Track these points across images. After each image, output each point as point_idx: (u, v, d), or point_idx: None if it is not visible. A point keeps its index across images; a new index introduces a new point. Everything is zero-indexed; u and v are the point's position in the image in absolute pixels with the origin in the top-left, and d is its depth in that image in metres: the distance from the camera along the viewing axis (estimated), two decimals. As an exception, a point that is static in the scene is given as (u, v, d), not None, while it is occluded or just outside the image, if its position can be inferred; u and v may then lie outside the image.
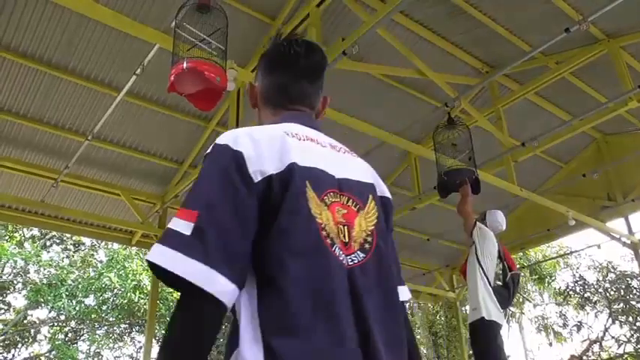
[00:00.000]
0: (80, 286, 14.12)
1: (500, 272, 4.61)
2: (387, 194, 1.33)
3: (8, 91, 5.13)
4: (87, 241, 15.47)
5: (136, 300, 13.87)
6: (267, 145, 1.07)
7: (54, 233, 14.81)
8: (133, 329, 15.76)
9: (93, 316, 14.59)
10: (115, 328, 15.64)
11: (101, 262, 15.29)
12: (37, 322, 15.12)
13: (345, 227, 1.09)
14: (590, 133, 7.38)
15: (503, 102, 6.08)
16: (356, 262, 1.07)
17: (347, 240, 1.08)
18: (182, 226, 0.96)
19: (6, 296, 14.71)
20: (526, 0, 4.95)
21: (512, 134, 6.01)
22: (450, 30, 5.46)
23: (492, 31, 5.31)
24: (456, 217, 8.04)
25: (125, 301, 14.05)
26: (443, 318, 14.51)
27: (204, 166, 1.07)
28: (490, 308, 4.17)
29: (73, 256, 15.66)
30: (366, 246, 1.11)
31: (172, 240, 0.95)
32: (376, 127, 4.94)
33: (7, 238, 14.35)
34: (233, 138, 1.08)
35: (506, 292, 4.51)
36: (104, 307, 14.67)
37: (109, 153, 6.05)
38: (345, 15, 4.98)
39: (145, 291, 13.57)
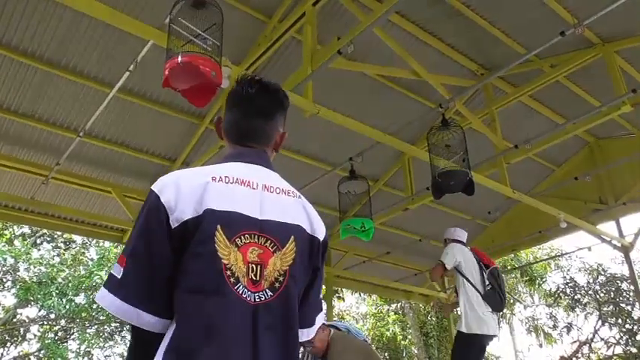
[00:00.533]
0: (70, 284, 14.00)
1: (482, 275, 4.74)
2: (319, 235, 1.39)
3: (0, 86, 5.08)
4: (78, 239, 15.35)
5: (126, 299, 13.78)
6: (189, 194, 1.21)
7: (44, 231, 14.69)
8: (124, 328, 15.66)
9: (83, 314, 14.48)
10: (105, 327, 15.53)
11: (92, 260, 15.17)
12: (27, 320, 14.98)
13: (258, 266, 1.20)
14: (583, 136, 7.41)
15: (497, 104, 6.09)
16: (263, 299, 1.19)
17: (257, 278, 1.19)
18: (116, 270, 1.17)
19: (-5, 294, 14.58)
20: (522, 3, 4.96)
21: (505, 136, 6.02)
22: (446, 31, 5.46)
23: (488, 34, 5.31)
24: (449, 218, 8.08)
25: (116, 299, 13.96)
26: (434, 319, 14.53)
27: (139, 212, 1.24)
28: (471, 322, 4.43)
29: (63, 254, 15.53)
30: (276, 285, 1.22)
31: (109, 283, 1.18)
32: (370, 127, 4.92)
33: (-4, 235, 14.21)
34: (161, 187, 1.23)
35: (494, 292, 4.61)
36: (94, 306, 14.56)
37: (101, 150, 6.00)
38: (341, 14, 4.97)
39: (136, 290, 13.49)
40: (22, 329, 14.90)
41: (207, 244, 1.16)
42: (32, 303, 14.22)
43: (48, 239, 15.52)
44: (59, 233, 14.70)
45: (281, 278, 1.22)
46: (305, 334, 1.37)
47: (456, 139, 4.72)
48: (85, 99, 5.34)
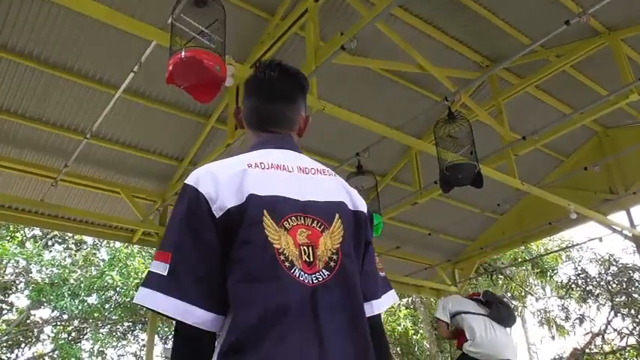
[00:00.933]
0: (82, 285, 14.11)
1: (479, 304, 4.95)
2: (362, 208, 1.39)
3: (6, 90, 5.11)
4: (89, 239, 15.48)
5: (138, 298, 13.87)
6: (228, 183, 1.19)
7: (55, 232, 14.81)
8: (137, 327, 15.79)
9: (96, 314, 14.60)
10: (118, 326, 15.66)
11: (103, 260, 15.28)
12: (40, 321, 15.14)
13: (310, 247, 1.18)
14: (591, 126, 7.34)
15: (503, 96, 6.05)
16: (320, 279, 1.15)
17: (311, 259, 1.16)
18: (160, 267, 1.12)
19: (8, 296, 14.73)
20: (526, -8, 4.92)
21: (512, 128, 5.98)
22: (450, 24, 5.43)
23: (492, 25, 5.27)
24: (457, 212, 8.05)
25: (128, 299, 14.06)
26: (445, 313, 14.51)
27: (174, 208, 1.22)
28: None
29: (75, 255, 15.66)
30: (332, 264, 1.18)
31: (153, 282, 1.11)
32: (376, 122, 4.91)
33: (8, 238, 14.34)
34: (196, 179, 1.21)
35: (497, 308, 4.76)
36: (107, 306, 14.69)
37: (108, 151, 6.03)
38: (343, 10, 4.95)
39: (147, 289, 13.57)
40: (35, 330, 15.06)
41: (256, 231, 1.14)
42: (45, 304, 14.37)
43: (59, 241, 15.66)
44: (70, 235, 14.83)
45: (335, 257, 1.20)
46: (369, 309, 1.31)
47: (462, 131, 4.69)
48: (91, 101, 5.36)
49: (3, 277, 14.40)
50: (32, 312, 14.91)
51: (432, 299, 13.99)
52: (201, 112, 5.88)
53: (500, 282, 16.12)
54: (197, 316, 1.08)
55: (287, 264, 1.13)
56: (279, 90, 1.44)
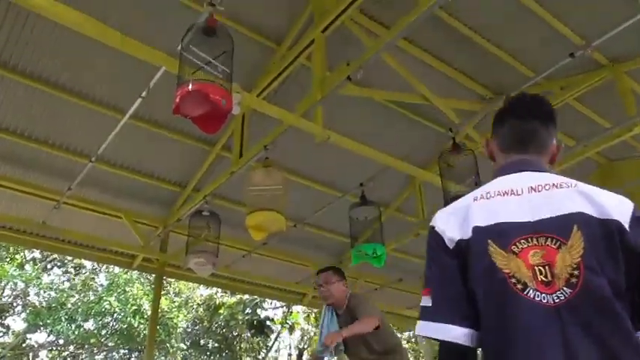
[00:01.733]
0: (80, 309, 13.98)
1: None
2: (616, 215, 1.28)
3: (14, 111, 5.16)
4: (88, 264, 15.40)
5: (135, 325, 13.72)
6: (454, 218, 1.32)
7: (55, 256, 14.75)
8: (132, 355, 15.56)
9: (92, 340, 14.42)
10: (114, 353, 15.44)
11: (102, 285, 15.17)
12: (36, 345, 14.95)
13: (546, 267, 1.18)
14: (595, 158, 7.34)
15: (507, 128, 6.05)
16: (562, 298, 1.14)
17: (549, 279, 1.17)
18: (425, 301, 1.31)
19: (5, 319, 14.59)
20: (529, 26, 4.98)
21: (516, 160, 5.98)
22: (454, 56, 5.49)
23: (496, 57, 5.33)
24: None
25: (125, 325, 13.90)
26: (447, 346, 14.28)
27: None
28: None
29: (73, 279, 15.56)
30: (572, 280, 1.16)
31: (422, 314, 1.31)
32: (380, 152, 4.92)
33: (8, 259, 14.27)
34: (434, 219, 1.38)
35: None
36: (103, 332, 14.51)
37: (112, 175, 6.04)
38: (350, 41, 5.01)
39: (145, 316, 13.43)
40: (31, 354, 14.85)
41: (483, 259, 1.22)
42: (41, 328, 14.21)
43: (58, 264, 15.58)
44: (69, 258, 14.75)
45: (576, 272, 1.16)
46: None
47: (467, 162, 4.69)
48: (97, 125, 5.40)
49: (0, 299, 14.28)
50: (28, 335, 14.75)
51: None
52: (206, 139, 5.91)
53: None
54: (453, 334, 1.22)
55: (519, 286, 1.17)
56: (534, 112, 1.50)
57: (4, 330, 14.55)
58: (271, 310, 16.41)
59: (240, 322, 15.01)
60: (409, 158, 5.32)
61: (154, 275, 7.74)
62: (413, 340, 16.04)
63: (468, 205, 1.32)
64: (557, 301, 1.14)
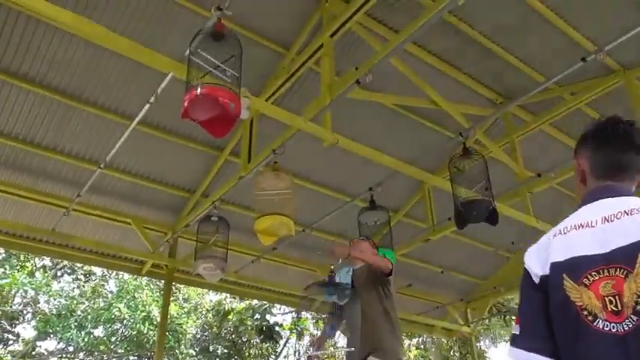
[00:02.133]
0: (89, 316, 13.99)
1: None
2: None
3: (24, 119, 5.18)
4: (98, 270, 15.43)
5: (145, 331, 13.69)
6: (537, 255, 1.42)
7: (65, 263, 14.79)
8: (141, 362, 15.54)
9: (102, 347, 14.41)
10: (123, 360, 15.44)
11: (111, 292, 15.19)
12: (46, 353, 14.96)
13: (616, 297, 1.24)
14: (607, 164, 7.26)
15: (517, 133, 6.01)
16: (630, 326, 1.19)
17: (618, 308, 1.22)
18: (516, 329, 1.40)
19: (15, 327, 14.62)
20: (540, 31, 4.94)
21: (526, 165, 5.93)
22: (464, 61, 5.46)
23: (506, 62, 5.29)
24: (471, 250, 7.93)
25: (134, 332, 13.88)
26: (457, 354, 14.15)
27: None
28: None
29: (83, 286, 15.59)
30: (638, 308, 1.21)
31: (513, 340, 1.40)
32: (390, 157, 4.89)
33: (18, 267, 14.34)
34: (525, 255, 1.46)
35: None
36: (113, 339, 14.50)
37: (121, 181, 6.05)
38: (358, 45, 5.00)
39: (155, 322, 13.41)
40: (41, 362, 14.87)
41: (559, 293, 1.30)
42: (51, 335, 14.22)
43: (68, 271, 15.62)
44: (79, 265, 14.79)
45: None
46: None
47: (477, 167, 4.65)
48: (106, 131, 5.42)
49: (11, 306, 14.34)
50: (38, 343, 14.76)
51: (443, 339, 13.67)
52: (214, 144, 5.91)
53: (514, 324, 15.76)
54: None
55: (590, 318, 1.24)
56: (632, 143, 1.50)
57: (15, 338, 14.57)
58: (280, 315, 16.36)
59: (249, 328, 14.95)
60: (418, 163, 5.28)
61: (163, 281, 7.73)
62: (422, 346, 15.92)
63: (548, 243, 1.42)
64: (625, 329, 1.19)
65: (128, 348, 14.50)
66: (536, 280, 1.37)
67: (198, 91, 2.82)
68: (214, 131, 3.09)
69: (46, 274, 14.87)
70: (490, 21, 4.90)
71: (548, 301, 1.34)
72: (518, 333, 1.39)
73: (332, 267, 3.89)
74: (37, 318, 14.24)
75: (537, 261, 1.40)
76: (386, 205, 5.77)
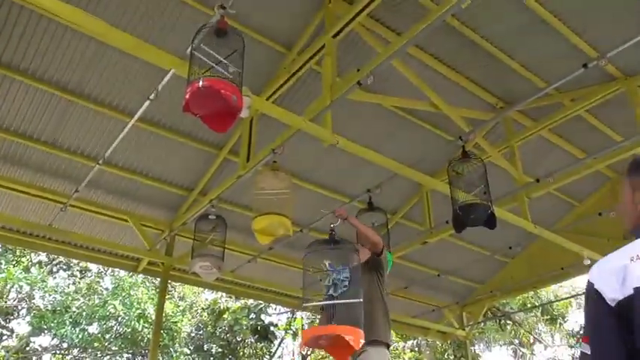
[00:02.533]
0: (84, 313, 13.95)
1: None
2: None
3: (23, 114, 5.16)
4: (93, 267, 15.39)
5: (139, 329, 13.66)
6: (614, 277, 1.42)
7: (61, 259, 14.76)
8: (136, 359, 15.51)
9: (96, 344, 14.36)
10: (118, 357, 15.39)
11: (107, 289, 15.15)
12: (40, 349, 14.92)
13: None
14: (605, 172, 7.27)
15: (517, 138, 6.02)
16: None
17: None
18: (585, 347, 1.43)
19: (9, 322, 14.57)
20: (542, 37, 4.95)
21: (525, 171, 5.93)
22: (465, 64, 5.46)
23: (507, 67, 5.30)
24: (467, 253, 7.92)
25: (129, 329, 13.85)
26: (452, 357, 14.15)
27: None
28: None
29: (79, 282, 15.55)
30: None
31: (581, 358, 1.41)
32: (389, 159, 4.89)
33: (14, 262, 14.29)
34: (592, 277, 1.47)
35: None
36: (107, 336, 14.47)
37: (119, 178, 6.03)
38: (360, 46, 5.00)
39: (150, 320, 13.39)
40: (34, 358, 14.83)
41: None
42: (46, 331, 14.18)
43: (64, 267, 15.58)
44: (75, 261, 14.76)
45: None
46: None
47: (476, 171, 4.65)
48: (104, 127, 5.40)
49: (5, 302, 14.29)
50: (32, 339, 14.71)
51: (438, 342, 13.67)
52: (213, 143, 5.90)
53: (509, 327, 15.77)
54: None
55: None
56: None
57: (9, 333, 14.52)
58: (275, 315, 16.35)
59: (244, 328, 14.93)
60: (417, 165, 5.28)
61: (158, 279, 7.71)
62: (416, 349, 15.91)
63: (625, 267, 1.42)
64: None
65: (122, 345, 14.47)
66: (612, 304, 1.38)
67: (200, 83, 2.78)
68: (215, 126, 3.04)
69: (42, 270, 14.83)
70: (493, 25, 4.90)
71: (627, 327, 1.35)
72: (588, 353, 1.42)
73: (332, 225, 3.92)
74: (32, 314, 14.20)
75: (614, 285, 1.41)
76: (384, 207, 5.76)
